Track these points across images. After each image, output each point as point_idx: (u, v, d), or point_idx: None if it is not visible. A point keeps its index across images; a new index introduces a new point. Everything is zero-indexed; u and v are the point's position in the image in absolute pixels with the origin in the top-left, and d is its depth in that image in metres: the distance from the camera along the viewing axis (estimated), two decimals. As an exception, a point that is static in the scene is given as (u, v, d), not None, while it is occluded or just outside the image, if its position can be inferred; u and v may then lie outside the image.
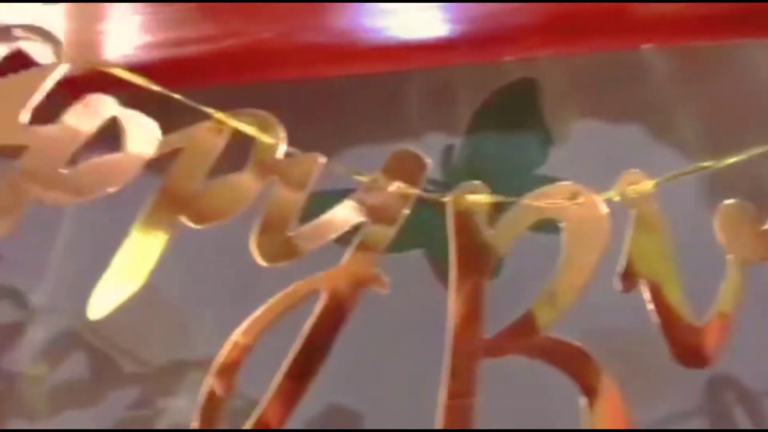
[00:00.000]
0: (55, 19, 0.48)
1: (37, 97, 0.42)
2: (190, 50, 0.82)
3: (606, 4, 0.62)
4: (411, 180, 0.42)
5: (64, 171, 0.41)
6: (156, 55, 0.78)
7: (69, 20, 0.52)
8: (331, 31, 0.79)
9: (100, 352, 0.56)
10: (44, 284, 0.57)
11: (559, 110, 0.65)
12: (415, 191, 0.42)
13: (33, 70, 0.43)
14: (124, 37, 0.75)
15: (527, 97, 0.65)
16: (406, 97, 0.65)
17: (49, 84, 0.43)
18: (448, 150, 0.63)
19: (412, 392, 0.56)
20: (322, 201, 0.44)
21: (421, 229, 0.45)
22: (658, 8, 0.60)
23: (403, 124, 0.64)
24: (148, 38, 0.80)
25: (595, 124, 0.64)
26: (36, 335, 0.57)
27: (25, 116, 0.41)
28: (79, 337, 0.56)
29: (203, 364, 0.57)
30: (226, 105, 0.47)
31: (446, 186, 0.47)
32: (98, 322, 0.45)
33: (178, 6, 0.77)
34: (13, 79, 0.42)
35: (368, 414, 0.56)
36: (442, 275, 0.62)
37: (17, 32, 0.44)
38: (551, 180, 0.49)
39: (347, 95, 0.66)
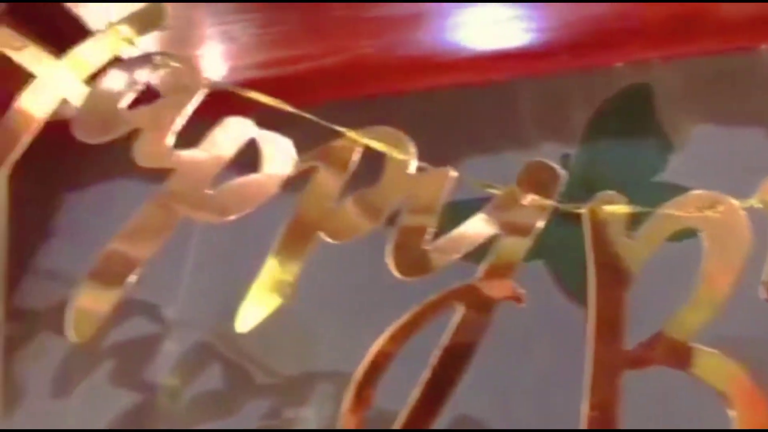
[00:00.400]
0: (151, 45, 0.50)
1: (181, 122, 0.44)
2: (294, 69, 0.84)
3: (715, 4, 0.61)
4: (545, 192, 0.42)
5: (210, 192, 0.42)
6: (255, 74, 0.80)
7: (163, 46, 0.53)
8: (429, 44, 0.80)
9: (232, 363, 0.58)
10: (177, 298, 0.60)
11: (676, 115, 0.64)
12: (550, 203, 0.42)
13: (174, 95, 0.45)
14: (219, 61, 0.78)
15: (642, 103, 0.64)
16: (519, 106, 0.65)
17: (190, 109, 0.45)
18: (564, 159, 0.62)
19: (537, 401, 0.56)
20: (452, 211, 0.45)
21: (541, 240, 0.45)
22: (773, 6, 0.59)
23: (517, 133, 0.65)
24: (248, 60, 0.83)
25: (713, 128, 0.62)
26: (171, 347, 0.59)
27: (171, 140, 0.43)
28: (212, 348, 0.58)
29: (330, 376, 0.59)
30: (339, 122, 0.48)
31: (564, 196, 0.47)
32: (229, 334, 0.47)
33: (283, 27, 0.79)
34: (158, 105, 0.44)
35: (498, 423, 0.56)
36: (563, 285, 0.62)
37: (157, 59, 0.46)
38: (673, 187, 0.49)
39: (460, 106, 0.66)
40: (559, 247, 0.52)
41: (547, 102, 0.64)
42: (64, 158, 0.64)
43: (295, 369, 0.57)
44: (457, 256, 0.42)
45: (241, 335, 0.44)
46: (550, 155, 0.64)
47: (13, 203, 0.64)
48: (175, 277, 0.59)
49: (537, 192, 0.42)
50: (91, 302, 0.40)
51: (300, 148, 0.47)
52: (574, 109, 0.63)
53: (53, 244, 0.65)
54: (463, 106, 0.65)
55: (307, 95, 0.72)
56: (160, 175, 0.45)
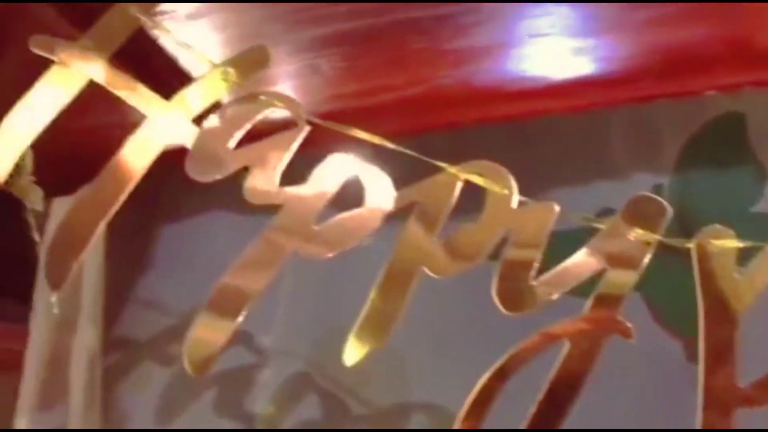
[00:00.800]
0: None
1: (287, 159, 0.45)
2: (375, 100, 0.86)
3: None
4: (651, 226, 0.42)
5: (316, 227, 0.43)
6: (338, 106, 0.82)
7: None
8: (504, 74, 0.80)
9: (329, 393, 0.59)
10: (273, 328, 0.61)
11: (772, 144, 0.63)
12: (656, 237, 0.41)
13: (281, 134, 0.46)
14: (303, 93, 0.79)
15: (735, 132, 0.63)
16: (609, 135, 0.65)
17: (295, 146, 0.46)
18: (657, 189, 0.62)
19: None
20: (549, 241, 0.45)
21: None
22: None
23: (607, 163, 0.64)
24: (331, 91, 0.84)
25: (812, 157, 0.61)
26: (268, 377, 0.60)
27: (278, 177, 0.44)
28: (308, 378, 0.59)
29: (425, 407, 0.59)
30: (428, 154, 0.48)
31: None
32: (325, 365, 0.47)
33: (365, 59, 0.81)
34: (265, 144, 0.45)
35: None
36: (659, 317, 0.61)
37: (262, 99, 0.47)
38: (773, 218, 0.47)
39: (549, 136, 0.66)
40: (656, 279, 0.52)
41: (638, 131, 0.64)
42: (162, 190, 0.66)
43: (390, 400, 0.58)
44: (563, 290, 0.42)
45: (337, 366, 0.44)
46: (642, 185, 0.64)
47: (112, 234, 0.67)
48: (271, 307, 0.60)
49: (642, 226, 0.42)
50: (208, 334, 0.41)
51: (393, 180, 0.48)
52: (667, 139, 0.63)
53: (152, 275, 0.67)
54: (552, 136, 0.65)
55: (389, 125, 0.74)
56: (255, 207, 0.46)
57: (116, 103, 0.49)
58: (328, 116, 0.50)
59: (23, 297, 0.69)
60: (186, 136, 0.46)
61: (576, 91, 0.81)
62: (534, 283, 0.42)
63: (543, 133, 0.65)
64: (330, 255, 0.43)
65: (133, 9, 0.48)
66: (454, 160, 0.48)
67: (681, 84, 0.74)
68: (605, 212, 0.57)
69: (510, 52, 0.80)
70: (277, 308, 0.60)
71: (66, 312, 0.70)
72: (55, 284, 0.48)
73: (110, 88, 0.47)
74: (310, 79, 0.83)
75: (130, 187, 0.46)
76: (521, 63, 0.79)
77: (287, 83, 0.84)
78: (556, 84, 0.80)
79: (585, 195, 0.61)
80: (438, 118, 0.87)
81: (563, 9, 0.73)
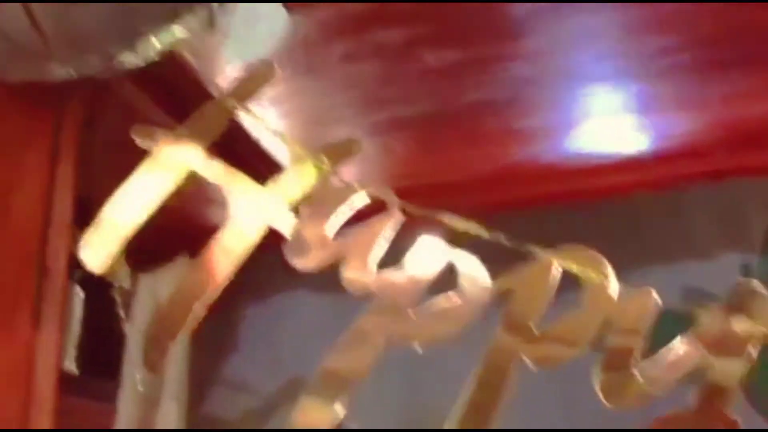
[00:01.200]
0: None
1: (383, 248, 0.45)
2: (447, 176, 0.87)
3: None
4: (755, 316, 0.41)
5: (412, 315, 0.44)
6: (410, 182, 0.82)
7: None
8: (574, 151, 0.81)
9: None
10: (360, 411, 0.60)
11: None
12: (763, 330, 0.41)
13: (373, 221, 0.47)
14: (375, 170, 0.81)
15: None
16: (693, 214, 0.65)
17: (390, 234, 0.46)
18: (745, 270, 0.61)
19: None
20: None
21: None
22: None
23: (692, 242, 0.64)
24: (404, 169, 0.85)
25: None
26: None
27: (374, 265, 0.45)
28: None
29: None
30: (511, 235, 0.48)
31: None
32: None
33: (438, 139, 0.82)
34: (360, 232, 0.46)
35: None
36: (757, 405, 0.59)
37: (356, 187, 0.48)
38: None
39: (631, 215, 0.66)
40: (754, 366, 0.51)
41: (722, 209, 0.63)
42: (245, 271, 0.67)
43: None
44: (667, 385, 0.41)
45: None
46: (728, 265, 0.63)
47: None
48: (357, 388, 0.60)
49: (746, 315, 0.41)
50: (310, 418, 0.41)
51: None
52: (752, 217, 0.62)
53: (236, 356, 0.67)
54: (634, 214, 0.65)
55: (461, 201, 0.74)
56: (339, 288, 0.45)
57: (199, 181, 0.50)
58: (400, 193, 0.51)
59: (112, 374, 0.70)
60: (283, 223, 0.48)
61: (644, 166, 0.81)
62: (635, 371, 0.41)
63: (623, 211, 0.65)
64: (427, 345, 0.43)
65: (230, 102, 0.50)
66: (535, 240, 0.48)
67: (756, 159, 0.73)
68: (692, 292, 0.56)
69: (577, 130, 0.81)
70: (362, 389, 0.60)
71: (150, 389, 0.71)
72: (152, 367, 0.48)
73: (208, 177, 0.49)
74: (381, 159, 0.84)
75: (229, 273, 0.47)
76: (588, 140, 0.79)
77: (359, 164, 0.86)
78: (623, 160, 0.80)
79: (671, 275, 0.60)
80: (509, 194, 0.88)
81: (630, 86, 0.73)
